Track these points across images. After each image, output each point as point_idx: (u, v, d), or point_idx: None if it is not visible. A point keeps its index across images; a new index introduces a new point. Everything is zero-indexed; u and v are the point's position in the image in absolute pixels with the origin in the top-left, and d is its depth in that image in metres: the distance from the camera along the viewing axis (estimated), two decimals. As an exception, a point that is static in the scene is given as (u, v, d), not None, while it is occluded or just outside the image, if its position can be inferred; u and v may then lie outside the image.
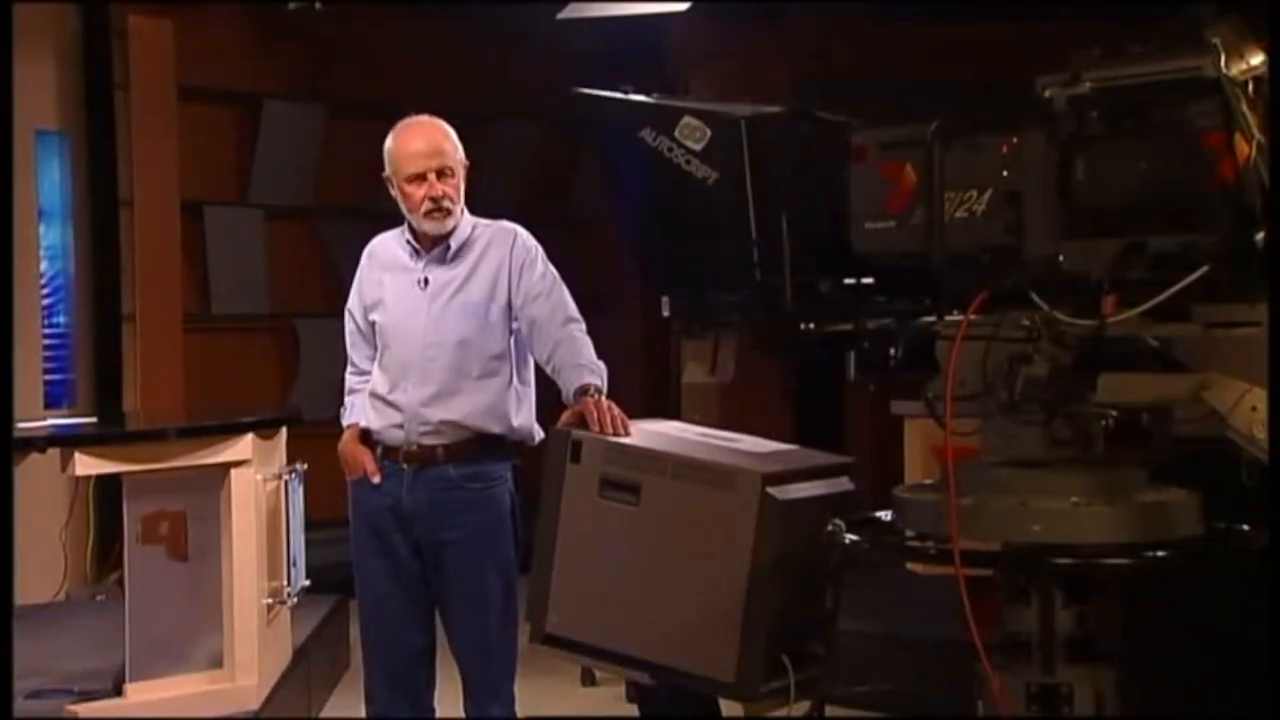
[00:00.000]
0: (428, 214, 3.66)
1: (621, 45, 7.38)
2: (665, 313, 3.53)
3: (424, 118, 3.73)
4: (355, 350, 3.85)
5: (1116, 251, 2.78)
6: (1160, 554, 2.93)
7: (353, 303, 3.84)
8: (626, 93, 3.44)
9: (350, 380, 3.86)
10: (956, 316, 2.99)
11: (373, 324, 3.77)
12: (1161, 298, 2.73)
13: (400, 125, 3.73)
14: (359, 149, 7.82)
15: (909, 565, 4.82)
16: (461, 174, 3.70)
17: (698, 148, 3.26)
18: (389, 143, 3.72)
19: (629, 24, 7.27)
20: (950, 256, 2.97)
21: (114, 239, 7.26)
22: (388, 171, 3.72)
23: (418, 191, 3.65)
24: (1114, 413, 2.98)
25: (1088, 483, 2.96)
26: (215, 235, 7.86)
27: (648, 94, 3.45)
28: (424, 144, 3.67)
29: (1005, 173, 2.90)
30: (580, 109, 3.55)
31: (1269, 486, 2.69)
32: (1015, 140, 2.89)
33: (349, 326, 3.85)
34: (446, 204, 3.65)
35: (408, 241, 3.76)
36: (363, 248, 3.93)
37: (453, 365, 3.65)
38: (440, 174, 3.65)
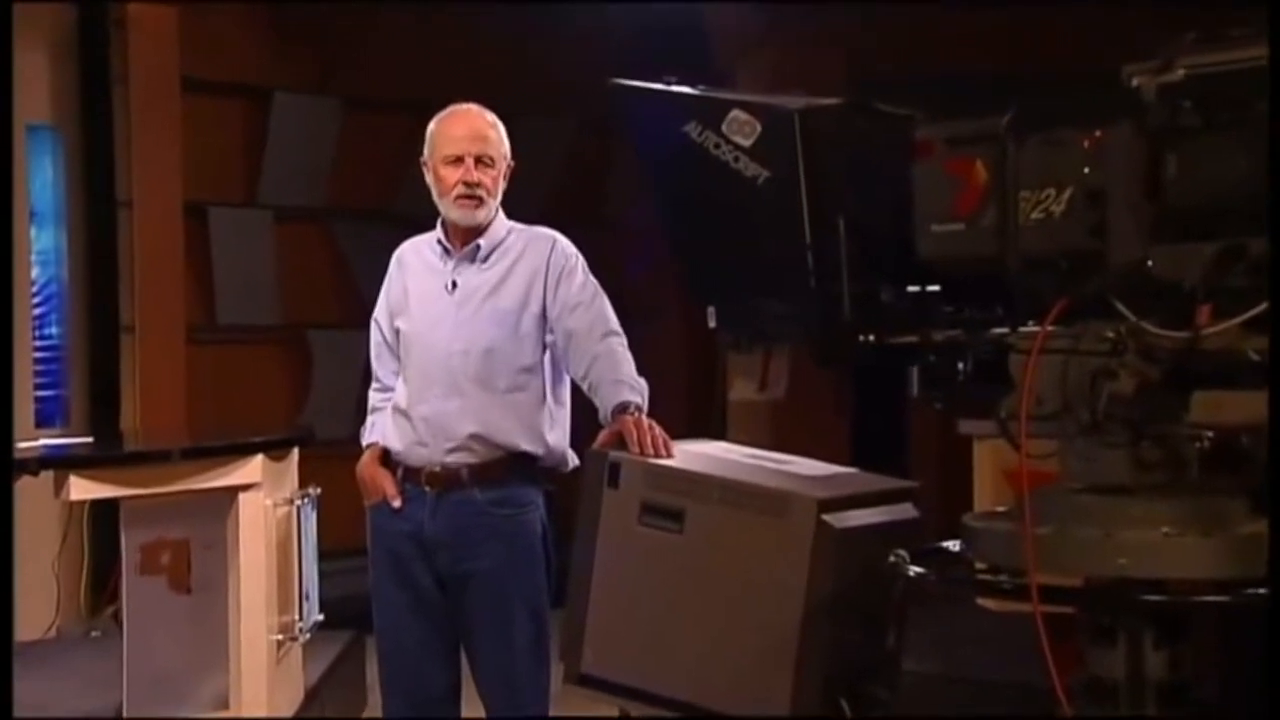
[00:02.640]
0: (458, 199, 3.68)
1: (662, 34, 7.39)
2: (711, 324, 3.51)
3: (473, 105, 3.78)
4: (380, 363, 3.86)
5: (1212, 256, 2.75)
6: (1262, 591, 2.89)
7: (379, 311, 3.86)
8: (669, 84, 3.43)
9: (373, 397, 3.87)
10: (1032, 328, 2.97)
11: (398, 332, 3.79)
12: (1262, 307, 2.70)
13: (448, 109, 3.78)
14: (377, 145, 7.99)
15: (980, 601, 4.79)
16: (504, 170, 3.73)
17: (747, 144, 3.25)
18: (431, 125, 3.77)
19: (670, 11, 7.29)
20: (1025, 262, 2.94)
21: (111, 243, 7.32)
22: (425, 155, 3.75)
23: (452, 174, 3.68)
24: (1209, 434, 2.95)
25: (1180, 511, 2.92)
26: (221, 239, 7.92)
27: (692, 86, 3.45)
28: (467, 128, 3.71)
29: (1087, 170, 2.88)
30: (616, 102, 3.55)
31: (1270, 486, 2.68)
32: (1098, 134, 2.86)
33: (374, 337, 3.86)
34: (481, 193, 3.68)
35: (438, 241, 3.78)
36: (380, 252, 3.95)
37: (479, 376, 3.66)
38: (479, 160, 3.68)
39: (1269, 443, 2.68)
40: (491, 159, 3.71)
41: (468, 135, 3.70)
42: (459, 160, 3.68)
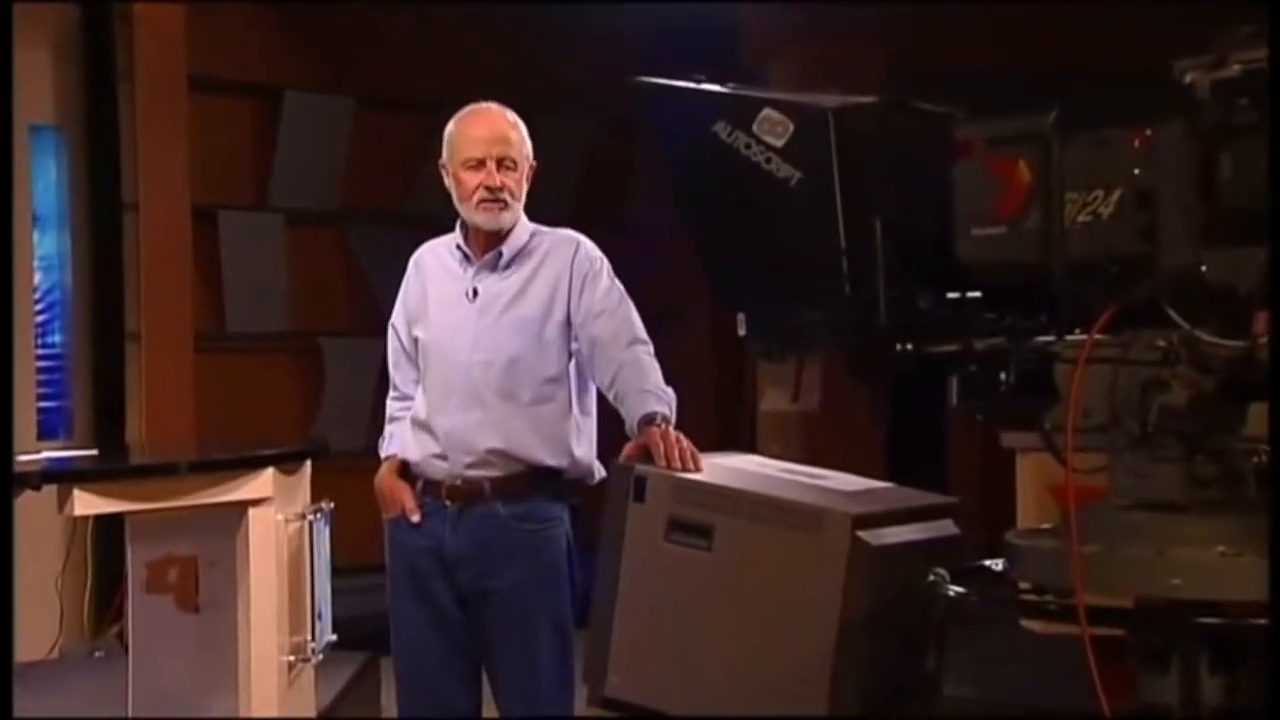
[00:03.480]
0: (481, 204, 3.68)
1: (687, 31, 7.40)
2: (740, 332, 3.51)
3: (493, 105, 3.78)
4: (398, 372, 3.87)
5: (1268, 259, 2.74)
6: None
7: (397, 317, 3.86)
8: (698, 82, 3.43)
9: (391, 407, 3.87)
10: (1079, 336, 2.96)
11: (416, 340, 3.79)
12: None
13: (466, 109, 3.77)
14: (392, 146, 8.01)
15: (1024, 623, 4.77)
16: (526, 172, 3.73)
17: (779, 144, 3.25)
18: (450, 126, 3.77)
19: (696, 6, 7.29)
20: (1071, 266, 2.94)
21: (116, 247, 7.34)
22: (444, 158, 3.76)
23: (473, 179, 3.68)
24: (1266, 448, 2.94)
25: (1236, 529, 2.90)
26: (231, 243, 7.94)
27: (721, 84, 3.45)
28: (488, 129, 3.71)
29: (1137, 170, 2.87)
30: (640, 101, 3.55)
31: (1270, 488, 2.69)
32: (1149, 133, 2.86)
33: (392, 344, 3.87)
34: (505, 196, 3.68)
35: (457, 246, 3.78)
36: (396, 256, 3.95)
37: (501, 387, 3.66)
38: (501, 163, 3.68)
39: (1270, 446, 2.67)
40: (514, 161, 3.71)
41: (488, 137, 3.70)
42: (480, 163, 3.68)
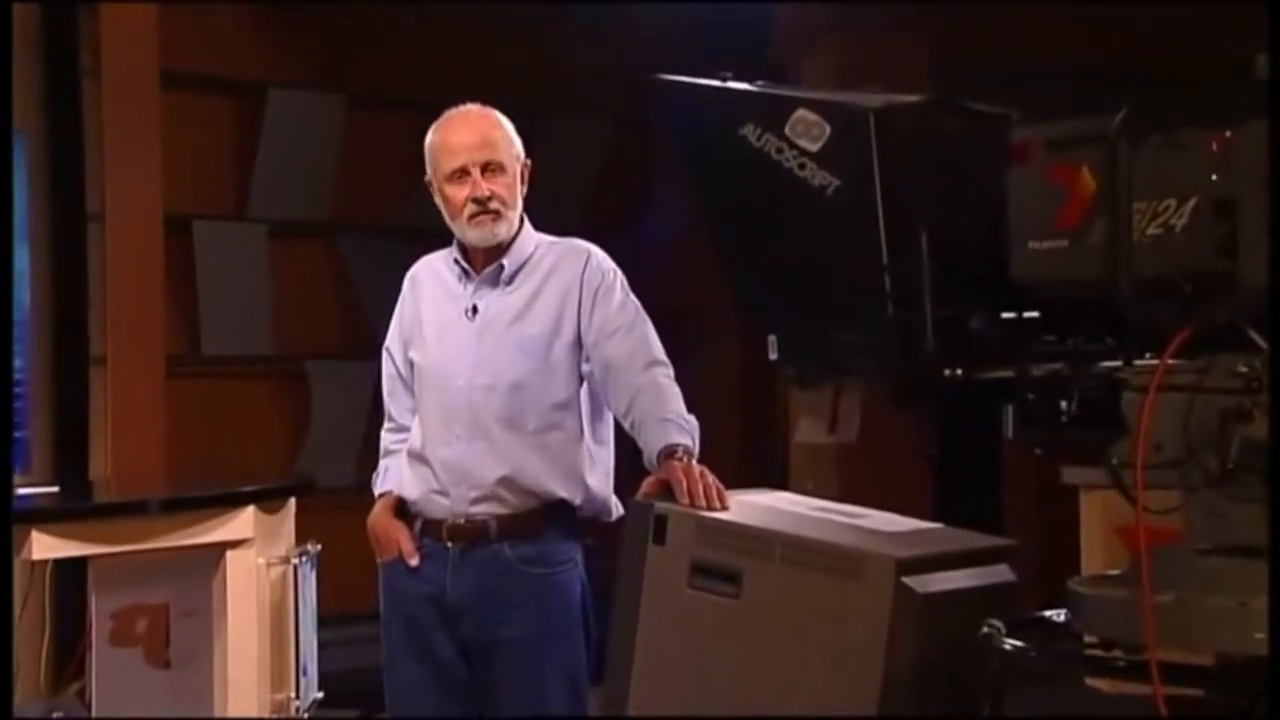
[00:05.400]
0: (472, 219, 3.70)
1: (714, 23, 7.42)
2: (772, 355, 3.52)
3: (472, 107, 3.79)
4: (393, 400, 3.88)
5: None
6: None
7: (391, 339, 3.88)
8: (724, 80, 3.45)
9: (386, 439, 3.89)
10: (1149, 361, 2.96)
11: (412, 365, 3.80)
12: None
13: (444, 116, 3.79)
14: (387, 150, 8.02)
15: (1089, 681, 4.76)
16: (518, 174, 3.74)
17: (814, 148, 3.26)
18: (430, 137, 3.78)
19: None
20: (1141, 284, 2.94)
21: (80, 262, 7.35)
22: (428, 174, 3.77)
23: (459, 192, 3.70)
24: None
25: (1326, 577, 2.90)
26: (207, 257, 7.96)
27: (750, 82, 3.46)
28: (469, 135, 3.72)
29: (1214, 177, 2.87)
30: (660, 101, 3.57)
31: (1270, 489, 2.70)
32: (1227, 135, 2.86)
33: (386, 370, 3.89)
34: (495, 205, 3.69)
35: (455, 261, 3.80)
36: (391, 272, 3.97)
37: (505, 414, 3.67)
38: (487, 169, 3.70)
39: (1270, 445, 2.67)
40: (501, 164, 3.72)
41: (470, 143, 3.71)
42: (464, 173, 3.70)
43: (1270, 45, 2.72)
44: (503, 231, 3.73)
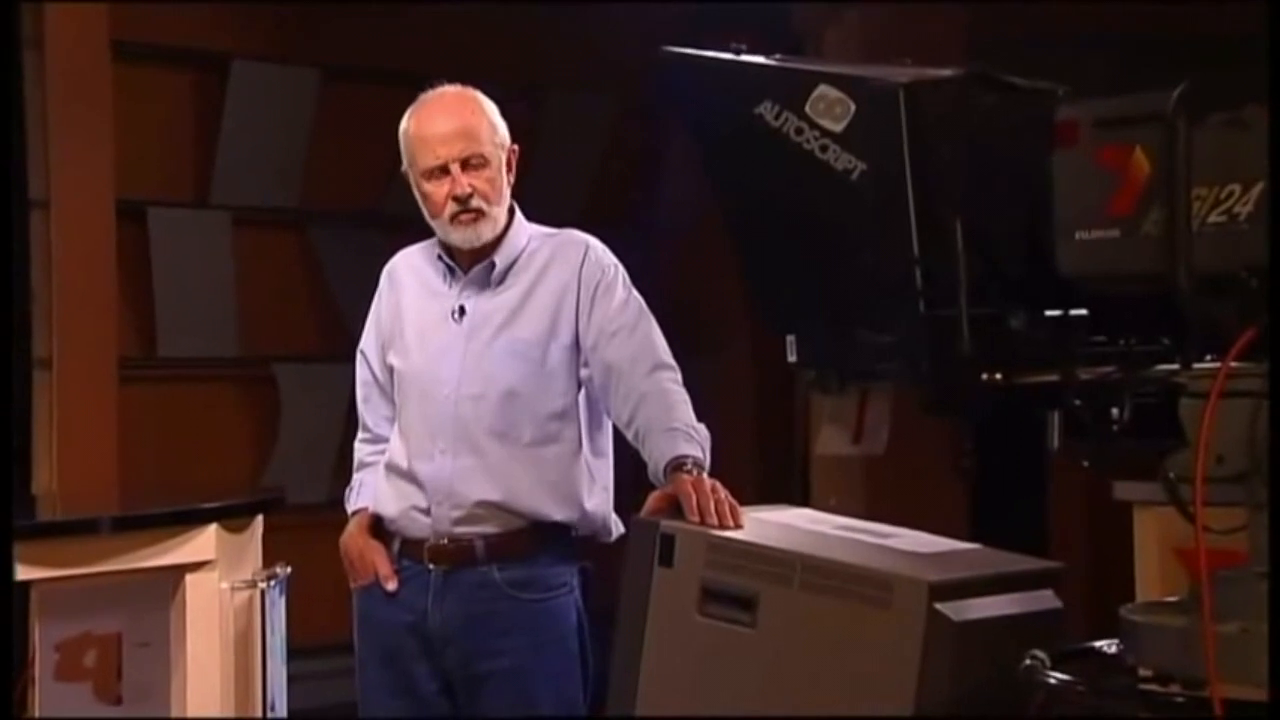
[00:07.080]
0: (454, 219, 3.71)
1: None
2: (790, 357, 3.52)
3: (450, 89, 3.79)
4: (368, 408, 3.89)
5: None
6: None
7: (367, 342, 3.89)
8: (738, 53, 3.46)
9: (360, 451, 3.90)
10: (1209, 364, 2.97)
11: (391, 370, 3.81)
12: None
13: (419, 101, 3.79)
14: (364, 129, 8.01)
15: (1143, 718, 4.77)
16: (504, 163, 3.75)
17: (838, 128, 3.27)
18: (404, 124, 3.79)
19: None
20: (1200, 279, 2.95)
21: (23, 254, 7.36)
22: (405, 165, 3.77)
23: (438, 190, 3.71)
24: None
25: (1407, 605, 2.91)
26: (164, 248, 7.97)
27: (767, 55, 3.47)
28: (446, 124, 3.72)
29: (1281, 160, 2.88)
30: (668, 76, 3.58)
31: (1271, 489, 2.74)
32: (1298, 113, 2.87)
33: (360, 375, 3.90)
34: (477, 203, 3.70)
35: (439, 258, 3.80)
36: (368, 265, 3.97)
37: (496, 426, 3.68)
38: (468, 164, 3.70)
39: (1270, 449, 2.68)
40: (483, 156, 3.73)
41: (447, 134, 3.71)
42: (442, 170, 3.70)
43: (1270, 44, 2.73)
44: (487, 232, 3.74)
